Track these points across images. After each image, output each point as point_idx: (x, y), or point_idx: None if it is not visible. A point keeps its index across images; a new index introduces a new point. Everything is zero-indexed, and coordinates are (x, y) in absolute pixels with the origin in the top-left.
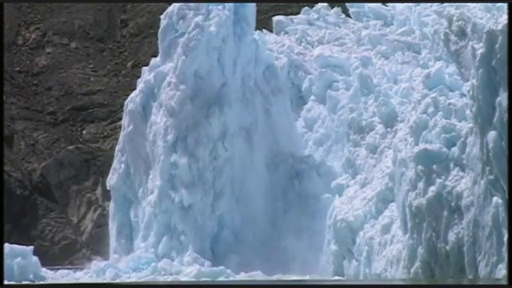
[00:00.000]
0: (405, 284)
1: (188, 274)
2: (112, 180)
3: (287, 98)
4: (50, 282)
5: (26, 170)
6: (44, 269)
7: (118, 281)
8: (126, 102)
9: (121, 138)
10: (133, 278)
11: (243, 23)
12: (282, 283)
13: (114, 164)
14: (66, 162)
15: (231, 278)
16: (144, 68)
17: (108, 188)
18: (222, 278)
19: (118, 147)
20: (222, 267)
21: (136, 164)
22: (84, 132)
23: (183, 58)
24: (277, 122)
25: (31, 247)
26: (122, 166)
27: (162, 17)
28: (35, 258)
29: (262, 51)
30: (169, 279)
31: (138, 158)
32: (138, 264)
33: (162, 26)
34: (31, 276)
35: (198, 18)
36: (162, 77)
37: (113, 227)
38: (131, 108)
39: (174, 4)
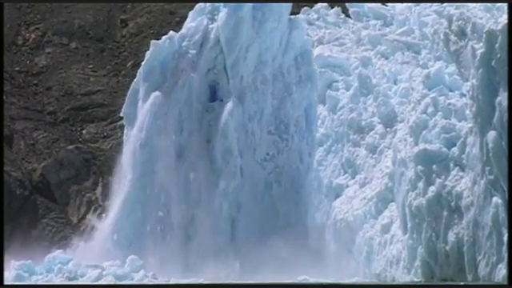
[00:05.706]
0: (405, 284)
1: (89, 277)
2: None
3: (314, 86)
4: None
5: (25, 170)
6: None
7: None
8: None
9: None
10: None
11: (265, 8)
12: (282, 283)
13: None
14: (66, 162)
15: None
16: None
17: None
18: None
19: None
20: (126, 271)
21: None
22: (84, 132)
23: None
24: (289, 112)
25: None
26: None
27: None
28: None
29: (296, 37)
30: (68, 281)
31: None
32: (51, 265)
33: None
34: None
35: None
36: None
37: None
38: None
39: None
